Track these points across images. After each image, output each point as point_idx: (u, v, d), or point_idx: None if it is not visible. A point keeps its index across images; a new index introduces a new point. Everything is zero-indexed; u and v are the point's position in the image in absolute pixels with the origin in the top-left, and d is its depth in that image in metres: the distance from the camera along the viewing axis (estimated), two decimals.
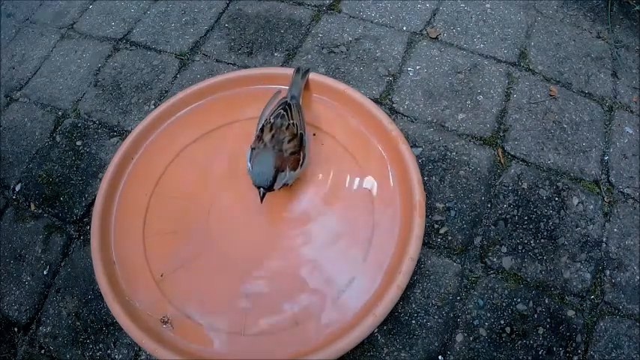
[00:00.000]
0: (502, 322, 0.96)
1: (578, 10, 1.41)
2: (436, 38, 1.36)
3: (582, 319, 0.95)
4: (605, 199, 1.08)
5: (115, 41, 1.48)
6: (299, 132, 1.03)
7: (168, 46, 1.43)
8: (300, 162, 1.03)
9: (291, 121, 1.03)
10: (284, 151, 1.00)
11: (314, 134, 1.15)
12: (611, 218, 1.06)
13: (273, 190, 1.00)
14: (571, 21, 1.38)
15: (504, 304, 0.98)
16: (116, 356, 1.01)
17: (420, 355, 0.94)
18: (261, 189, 0.98)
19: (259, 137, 1.03)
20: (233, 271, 1.02)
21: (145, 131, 1.16)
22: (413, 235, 0.94)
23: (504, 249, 1.03)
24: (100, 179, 1.18)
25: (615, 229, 1.04)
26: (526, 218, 1.06)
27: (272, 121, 1.03)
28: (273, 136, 1.01)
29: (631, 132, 1.17)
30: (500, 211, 1.07)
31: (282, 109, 1.05)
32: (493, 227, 1.06)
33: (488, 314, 0.97)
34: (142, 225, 1.08)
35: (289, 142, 1.01)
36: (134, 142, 1.15)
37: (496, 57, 1.31)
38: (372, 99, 1.17)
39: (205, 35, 1.45)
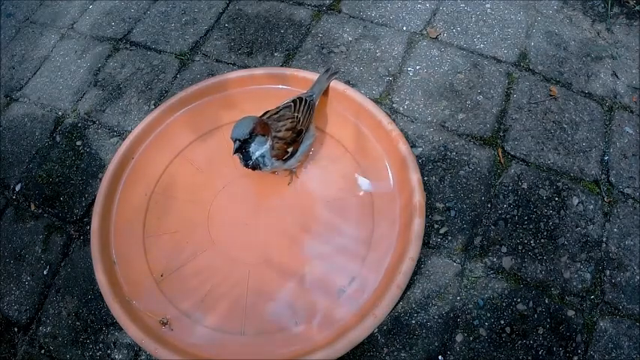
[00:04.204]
0: (502, 322, 0.96)
1: (578, 10, 1.41)
2: (436, 38, 1.36)
3: (582, 319, 0.95)
4: (605, 199, 1.08)
5: (115, 41, 1.48)
6: (299, 127, 1.03)
7: (168, 46, 1.43)
8: (287, 155, 1.03)
9: (296, 114, 1.03)
10: (276, 132, 1.00)
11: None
12: (611, 218, 1.06)
13: (248, 152, 0.99)
14: (571, 21, 1.38)
15: (504, 304, 0.98)
16: (116, 356, 1.01)
17: (420, 355, 0.94)
18: (237, 141, 0.97)
19: (260, 116, 1.04)
20: (233, 271, 1.02)
21: (145, 131, 1.17)
22: (413, 235, 0.94)
23: (504, 249, 1.03)
24: (100, 179, 1.18)
25: (615, 229, 1.04)
26: (526, 218, 1.06)
27: (280, 107, 1.04)
28: (271, 117, 1.03)
29: (631, 132, 1.17)
30: (500, 211, 1.07)
31: (292, 101, 1.05)
32: (493, 227, 1.06)
33: (488, 314, 0.97)
34: (142, 225, 1.09)
35: (286, 130, 1.01)
36: (134, 142, 1.15)
37: (496, 57, 1.31)
38: (372, 99, 1.17)
39: (205, 35, 1.44)
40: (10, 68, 1.50)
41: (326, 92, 1.16)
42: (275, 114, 1.04)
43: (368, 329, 0.88)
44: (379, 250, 1.00)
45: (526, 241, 1.04)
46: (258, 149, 1.00)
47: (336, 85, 1.16)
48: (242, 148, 0.99)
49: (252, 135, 0.97)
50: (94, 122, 1.31)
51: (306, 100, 1.06)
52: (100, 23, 1.54)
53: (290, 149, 1.02)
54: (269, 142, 1.00)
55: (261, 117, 1.04)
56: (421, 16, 1.41)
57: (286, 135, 1.01)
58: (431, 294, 0.99)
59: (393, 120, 1.14)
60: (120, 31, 1.50)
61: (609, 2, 1.39)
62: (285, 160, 1.04)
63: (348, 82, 1.26)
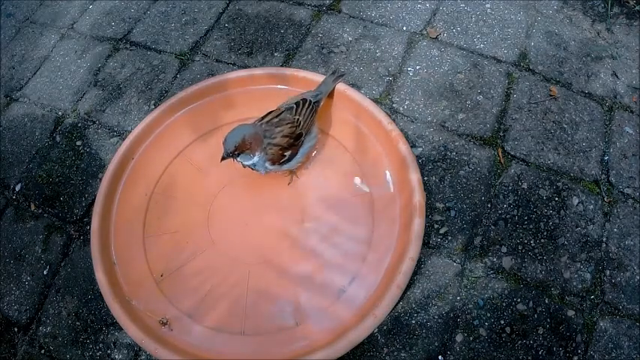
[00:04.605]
0: (502, 322, 0.96)
1: (578, 10, 1.41)
2: (436, 38, 1.36)
3: (582, 319, 0.95)
4: (605, 199, 1.08)
5: (115, 41, 1.48)
6: (299, 131, 1.02)
7: (168, 46, 1.43)
8: (284, 159, 1.03)
9: (296, 117, 1.03)
10: (270, 139, 1.00)
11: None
12: (611, 218, 1.06)
13: (240, 162, 1.02)
14: (571, 21, 1.38)
15: (504, 304, 0.98)
16: (116, 356, 1.01)
17: (420, 355, 0.94)
18: (224, 151, 0.98)
19: (261, 118, 1.04)
20: (233, 271, 1.02)
21: (144, 131, 1.17)
22: (413, 235, 0.94)
23: (504, 249, 1.03)
24: (100, 179, 1.18)
25: (615, 229, 1.04)
26: (526, 218, 1.06)
27: (282, 109, 1.04)
28: (270, 121, 1.02)
29: (631, 132, 1.17)
30: (500, 211, 1.07)
31: (295, 102, 1.05)
32: (493, 227, 1.06)
33: (488, 314, 0.97)
34: (142, 225, 1.09)
35: (282, 136, 1.01)
36: (134, 142, 1.15)
37: (496, 57, 1.31)
38: (372, 99, 1.17)
39: (205, 35, 1.45)
40: (10, 68, 1.50)
41: (331, 94, 1.16)
42: (276, 117, 1.03)
43: (368, 329, 0.88)
44: (379, 250, 1.00)
45: (526, 241, 1.04)
46: (246, 160, 1.01)
47: (336, 85, 1.16)
48: (230, 157, 1.00)
49: (235, 151, 0.98)
50: (94, 122, 1.31)
51: (310, 102, 1.05)
52: (100, 23, 1.54)
53: (287, 153, 1.02)
54: (258, 154, 1.00)
55: (261, 119, 1.03)
56: (421, 16, 1.41)
57: (282, 141, 1.00)
58: (431, 294, 0.99)
59: (393, 120, 1.14)
60: (120, 31, 1.50)
61: (609, 2, 1.39)
62: (283, 164, 1.04)
63: (348, 83, 1.26)
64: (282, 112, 1.04)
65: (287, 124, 1.02)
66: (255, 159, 1.01)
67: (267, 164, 1.02)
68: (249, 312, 0.97)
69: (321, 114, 1.16)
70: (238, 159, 1.01)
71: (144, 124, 1.17)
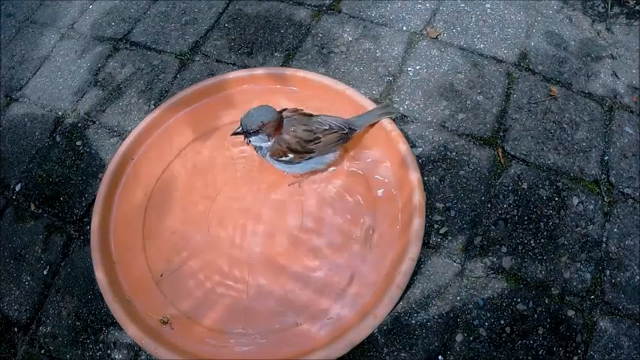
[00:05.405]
0: (502, 322, 0.96)
1: (578, 10, 1.41)
2: (436, 38, 1.36)
3: (582, 319, 0.95)
4: (605, 199, 1.08)
5: (115, 41, 1.48)
6: (311, 147, 1.02)
7: (168, 46, 1.43)
8: (286, 158, 1.03)
9: (319, 135, 1.02)
10: (286, 133, 1.00)
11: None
12: (611, 218, 1.06)
13: (248, 141, 1.01)
14: (571, 21, 1.38)
15: (504, 304, 0.98)
16: (116, 356, 1.01)
17: (420, 355, 0.94)
18: (241, 128, 0.99)
19: (295, 109, 1.04)
20: (232, 271, 1.02)
21: (145, 131, 1.17)
22: (413, 235, 0.94)
23: (504, 249, 1.03)
24: (100, 179, 1.18)
25: (615, 229, 1.04)
26: (526, 218, 1.06)
27: (316, 118, 1.03)
28: (299, 117, 1.02)
29: (631, 132, 1.17)
30: (500, 211, 1.07)
31: (330, 125, 1.03)
32: (493, 227, 1.06)
33: (488, 314, 0.97)
34: (141, 225, 1.09)
35: (294, 137, 1.01)
36: (134, 142, 1.15)
37: (496, 57, 1.31)
38: (372, 99, 1.17)
39: (205, 35, 1.44)
40: (10, 68, 1.50)
41: (372, 125, 1.11)
42: (306, 116, 1.03)
43: (368, 329, 0.88)
44: (379, 251, 1.00)
45: (526, 241, 1.04)
46: (260, 142, 1.01)
47: (336, 85, 1.16)
48: (245, 135, 1.00)
49: (257, 132, 0.98)
50: (94, 122, 1.31)
51: (342, 135, 1.04)
52: (100, 23, 1.54)
53: (290, 155, 1.02)
54: (271, 142, 1.01)
55: (295, 110, 1.04)
56: (421, 16, 1.41)
57: (292, 141, 1.01)
58: (431, 294, 0.99)
59: (393, 120, 1.14)
60: (120, 31, 1.50)
61: (609, 2, 1.39)
62: (281, 162, 1.03)
63: (348, 82, 1.26)
64: (315, 118, 1.03)
65: (306, 131, 1.01)
66: (269, 144, 1.01)
67: (268, 153, 1.03)
68: (249, 312, 0.97)
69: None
70: (252, 138, 1.00)
71: (144, 124, 1.17)
